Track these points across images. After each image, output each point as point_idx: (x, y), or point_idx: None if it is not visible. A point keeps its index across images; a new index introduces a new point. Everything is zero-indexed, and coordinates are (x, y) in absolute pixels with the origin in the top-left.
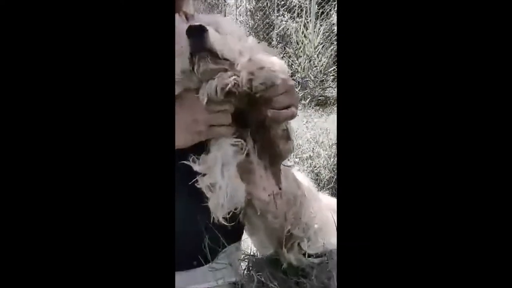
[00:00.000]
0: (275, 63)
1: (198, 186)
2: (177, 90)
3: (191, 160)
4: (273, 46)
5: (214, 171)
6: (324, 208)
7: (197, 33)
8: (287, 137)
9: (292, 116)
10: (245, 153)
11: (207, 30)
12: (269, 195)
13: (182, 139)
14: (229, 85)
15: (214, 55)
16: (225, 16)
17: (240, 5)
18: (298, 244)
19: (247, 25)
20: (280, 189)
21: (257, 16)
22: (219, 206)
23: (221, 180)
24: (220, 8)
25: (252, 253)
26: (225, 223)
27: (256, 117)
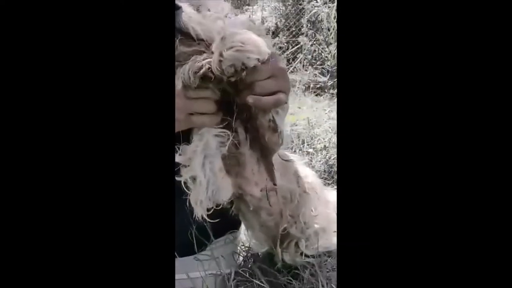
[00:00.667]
0: (249, 42)
1: (177, 179)
2: None
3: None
4: (302, 33)
5: (195, 164)
6: (331, 207)
7: None
8: (274, 128)
9: (278, 103)
10: (228, 145)
11: (179, 8)
12: (261, 190)
13: None
14: (203, 69)
15: (187, 36)
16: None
17: None
18: (296, 243)
19: (278, 11)
20: (274, 184)
21: (289, 2)
22: (198, 202)
23: (201, 174)
24: None
25: (247, 247)
26: (206, 220)
27: (242, 105)
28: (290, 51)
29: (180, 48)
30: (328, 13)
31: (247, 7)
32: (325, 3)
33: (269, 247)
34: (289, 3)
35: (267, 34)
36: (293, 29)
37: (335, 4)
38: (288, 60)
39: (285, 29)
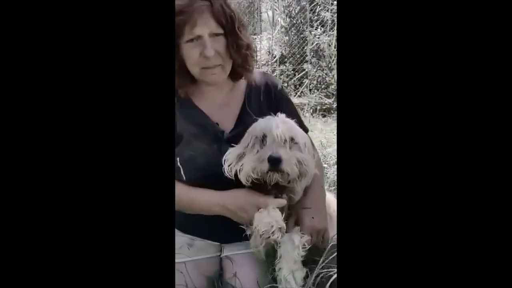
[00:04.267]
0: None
1: None
2: None
3: None
4: (307, 61)
5: None
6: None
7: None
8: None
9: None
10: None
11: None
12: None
13: None
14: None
15: None
16: (260, 32)
17: (275, 22)
18: None
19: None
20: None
21: (292, 32)
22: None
23: None
24: (254, 26)
25: None
26: None
27: None
28: (297, 77)
29: None
30: (328, 42)
31: (254, 36)
32: (325, 31)
33: None
34: (293, 33)
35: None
36: (298, 56)
37: (335, 32)
38: (295, 86)
39: (290, 57)
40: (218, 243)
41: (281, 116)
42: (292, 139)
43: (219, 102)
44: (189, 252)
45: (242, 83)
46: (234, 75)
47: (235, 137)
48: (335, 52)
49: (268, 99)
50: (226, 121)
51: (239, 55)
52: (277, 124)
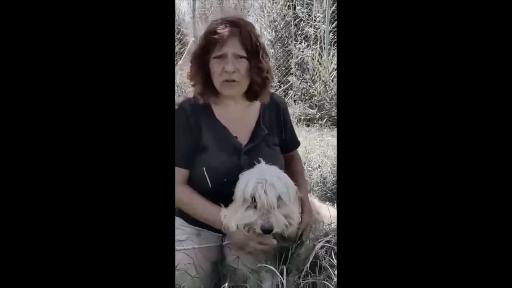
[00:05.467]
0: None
1: None
2: None
3: None
4: (292, 73)
5: None
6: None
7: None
8: None
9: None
10: None
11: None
12: None
13: None
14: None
15: None
16: None
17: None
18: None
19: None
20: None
21: (277, 45)
22: None
23: None
24: None
25: None
26: None
27: None
28: (282, 89)
29: None
30: (311, 56)
31: None
32: (308, 46)
33: None
34: (278, 47)
35: None
36: (283, 68)
37: (318, 46)
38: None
39: (276, 69)
40: (221, 235)
41: (268, 174)
42: (279, 198)
43: (236, 117)
44: (197, 240)
45: (257, 102)
46: (251, 95)
47: (251, 150)
48: (318, 66)
49: (277, 117)
50: (243, 135)
51: (258, 76)
52: (265, 190)
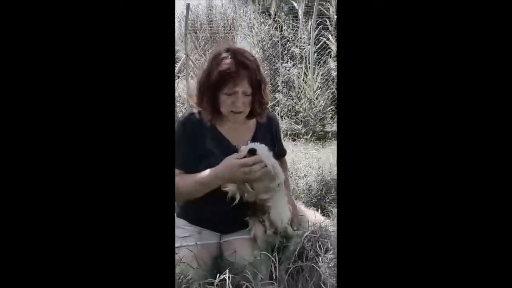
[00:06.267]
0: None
1: None
2: None
3: None
4: (279, 91)
5: None
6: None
7: None
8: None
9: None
10: None
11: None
12: None
13: None
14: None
15: None
16: None
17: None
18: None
19: None
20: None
21: (265, 64)
22: None
23: None
24: None
25: None
26: None
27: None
28: (269, 105)
29: None
30: (297, 74)
31: None
32: (294, 65)
33: None
34: (265, 65)
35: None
36: (270, 86)
37: (303, 66)
38: None
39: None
40: (219, 234)
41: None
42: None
43: (236, 131)
44: (198, 238)
45: (253, 119)
46: (250, 116)
47: None
48: (304, 84)
49: (269, 130)
50: (241, 145)
51: (259, 108)
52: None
